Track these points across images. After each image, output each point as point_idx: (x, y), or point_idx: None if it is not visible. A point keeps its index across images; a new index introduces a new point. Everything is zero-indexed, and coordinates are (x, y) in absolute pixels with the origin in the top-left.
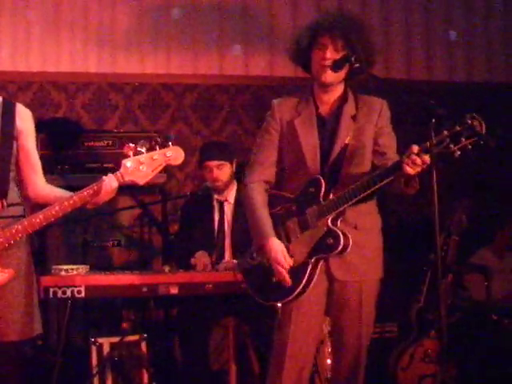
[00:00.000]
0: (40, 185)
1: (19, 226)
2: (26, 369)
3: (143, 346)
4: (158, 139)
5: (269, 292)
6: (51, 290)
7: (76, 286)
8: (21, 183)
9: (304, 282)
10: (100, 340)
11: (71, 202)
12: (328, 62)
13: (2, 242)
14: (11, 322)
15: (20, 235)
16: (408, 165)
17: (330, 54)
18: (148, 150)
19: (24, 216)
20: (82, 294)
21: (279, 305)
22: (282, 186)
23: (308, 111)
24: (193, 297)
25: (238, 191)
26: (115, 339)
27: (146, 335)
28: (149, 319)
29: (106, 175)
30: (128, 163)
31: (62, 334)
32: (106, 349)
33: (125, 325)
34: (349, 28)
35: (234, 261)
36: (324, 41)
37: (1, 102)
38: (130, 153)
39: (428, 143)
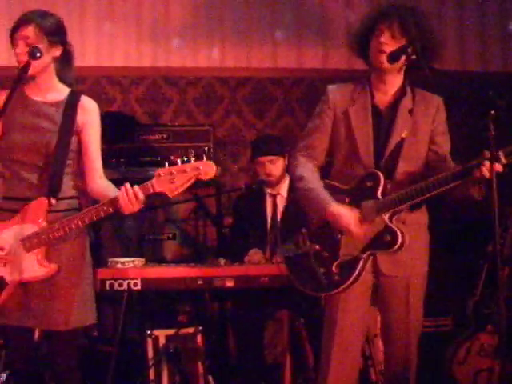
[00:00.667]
0: (96, 182)
1: (59, 226)
2: (80, 359)
3: (199, 338)
4: (193, 151)
5: (314, 283)
6: (107, 282)
7: (132, 279)
8: (81, 177)
9: (354, 276)
10: (156, 332)
11: (105, 208)
12: (384, 47)
13: (45, 239)
14: (58, 313)
15: (60, 234)
16: (482, 170)
17: (385, 39)
18: (183, 162)
19: (78, 209)
20: (138, 287)
21: (323, 296)
22: (330, 175)
23: (363, 100)
24: (247, 289)
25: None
26: (171, 331)
27: (201, 328)
28: (204, 312)
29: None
30: (161, 174)
31: (118, 326)
32: (162, 341)
33: (181, 317)
34: (406, 15)
35: None
36: (381, 27)
37: (67, 94)
38: (166, 163)
39: (503, 154)
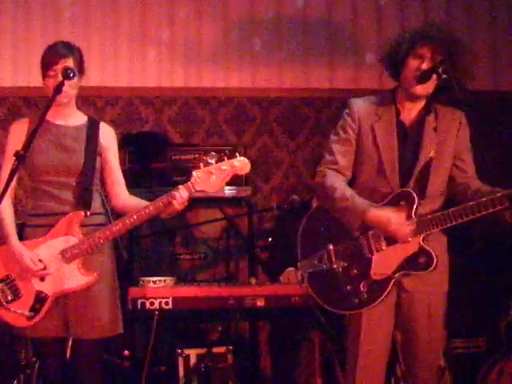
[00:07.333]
0: (123, 197)
1: (101, 234)
2: (112, 378)
3: (230, 357)
4: (227, 151)
5: (339, 300)
6: (139, 301)
7: (163, 298)
8: (107, 195)
9: (383, 297)
10: (187, 351)
11: (147, 210)
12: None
13: (86, 248)
14: (95, 322)
15: (102, 241)
16: None
17: (427, 66)
18: (217, 162)
19: (105, 224)
20: (170, 306)
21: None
22: (352, 189)
23: (389, 116)
24: (279, 309)
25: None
26: (202, 351)
27: (231, 347)
28: (235, 331)
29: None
30: (198, 174)
31: (149, 345)
32: (193, 360)
33: (212, 336)
34: (450, 42)
35: None
36: (423, 51)
37: (86, 120)
38: (201, 164)
39: None
